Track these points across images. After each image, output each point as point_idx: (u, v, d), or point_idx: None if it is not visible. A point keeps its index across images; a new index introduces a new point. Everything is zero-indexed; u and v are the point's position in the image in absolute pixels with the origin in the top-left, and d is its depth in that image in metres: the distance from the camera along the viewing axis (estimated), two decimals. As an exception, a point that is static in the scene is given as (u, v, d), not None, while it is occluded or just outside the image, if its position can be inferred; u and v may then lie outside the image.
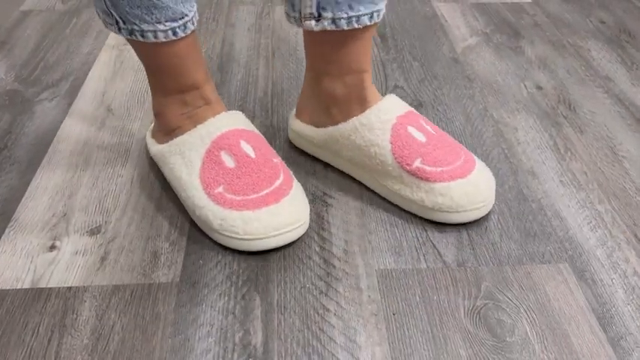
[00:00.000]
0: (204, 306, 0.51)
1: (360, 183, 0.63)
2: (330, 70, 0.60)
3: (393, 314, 0.50)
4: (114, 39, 0.91)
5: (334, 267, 0.54)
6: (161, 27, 0.54)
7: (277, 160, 0.59)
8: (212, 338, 0.48)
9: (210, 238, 0.57)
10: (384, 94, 0.70)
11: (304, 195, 0.59)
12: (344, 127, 0.60)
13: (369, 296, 0.52)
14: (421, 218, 0.59)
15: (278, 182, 0.56)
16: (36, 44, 0.90)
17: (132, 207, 0.61)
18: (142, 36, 0.54)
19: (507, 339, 0.48)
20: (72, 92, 0.79)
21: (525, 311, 0.51)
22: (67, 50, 0.89)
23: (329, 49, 0.58)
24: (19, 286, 0.52)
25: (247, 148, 0.58)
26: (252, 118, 0.74)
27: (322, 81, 0.61)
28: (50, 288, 0.52)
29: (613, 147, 0.70)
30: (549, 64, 0.86)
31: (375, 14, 0.55)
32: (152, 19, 0.53)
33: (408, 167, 0.57)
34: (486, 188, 0.58)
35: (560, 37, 0.93)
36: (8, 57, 0.87)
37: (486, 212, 0.59)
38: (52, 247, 0.56)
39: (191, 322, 0.49)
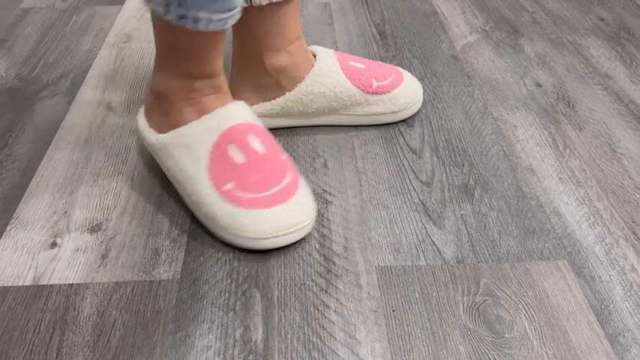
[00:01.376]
0: (204, 302, 0.51)
1: (359, 181, 0.64)
2: (274, 44, 0.64)
3: (393, 311, 0.51)
4: (114, 37, 0.92)
5: (334, 264, 0.55)
6: (216, 16, 0.51)
7: (284, 157, 0.59)
8: (213, 334, 0.49)
9: (212, 235, 0.57)
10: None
11: (310, 193, 0.59)
12: (304, 86, 0.67)
13: (369, 293, 0.52)
14: (420, 215, 0.60)
15: (286, 180, 0.56)
16: (36, 42, 0.90)
17: (133, 204, 0.61)
18: (195, 22, 0.51)
19: (506, 335, 0.49)
20: (72, 90, 0.79)
21: (524, 307, 0.51)
22: (67, 48, 0.89)
23: (274, 23, 0.63)
24: (20, 283, 0.53)
25: (256, 144, 0.57)
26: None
27: (265, 59, 0.65)
28: (51, 285, 0.52)
29: (612, 144, 0.70)
30: (548, 61, 0.86)
31: None
32: (212, 8, 0.51)
33: (370, 89, 0.69)
34: (415, 84, 0.73)
35: (559, 35, 0.93)
36: (8, 55, 0.87)
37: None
38: (54, 245, 0.56)
39: (192, 318, 0.50)
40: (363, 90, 0.69)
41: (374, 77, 0.70)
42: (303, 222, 0.55)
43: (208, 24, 0.51)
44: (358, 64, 0.71)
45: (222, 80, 0.60)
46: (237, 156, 0.56)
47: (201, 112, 0.58)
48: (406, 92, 0.71)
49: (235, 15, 0.53)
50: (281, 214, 0.54)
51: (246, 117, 0.59)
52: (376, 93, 0.69)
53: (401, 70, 0.74)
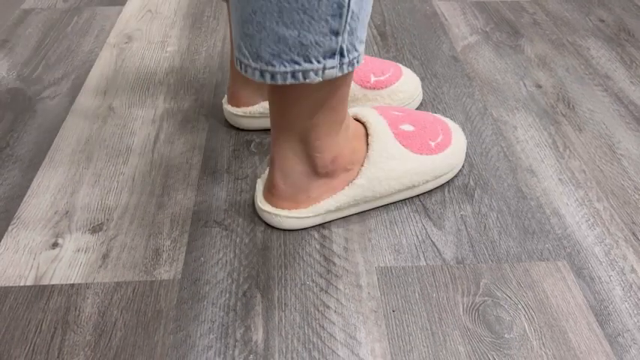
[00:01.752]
0: (205, 303, 0.51)
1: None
2: None
3: (393, 311, 0.51)
4: (115, 38, 0.92)
5: (334, 264, 0.55)
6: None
7: (438, 119, 0.64)
8: (213, 335, 0.49)
9: (211, 236, 0.57)
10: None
11: None
12: None
13: (369, 293, 0.52)
14: (420, 216, 0.60)
15: None
16: (37, 43, 0.90)
17: (134, 204, 0.61)
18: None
19: (506, 335, 0.49)
20: (73, 90, 0.79)
21: (524, 308, 0.51)
22: (68, 49, 0.89)
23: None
24: (22, 283, 0.53)
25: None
26: (252, 116, 0.74)
27: None
28: (53, 285, 0.53)
29: (612, 145, 0.70)
30: (549, 62, 0.87)
31: None
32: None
33: (368, 84, 0.69)
34: (414, 80, 0.72)
35: (559, 36, 0.93)
36: (10, 55, 0.87)
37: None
38: (55, 245, 0.57)
39: (192, 318, 0.50)
40: (360, 85, 0.69)
41: (372, 72, 0.70)
42: None
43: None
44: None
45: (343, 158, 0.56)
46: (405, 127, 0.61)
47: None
48: (405, 87, 0.71)
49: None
50: None
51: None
52: (374, 88, 0.70)
53: (400, 65, 0.74)
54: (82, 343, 0.48)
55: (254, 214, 0.60)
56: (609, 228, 0.59)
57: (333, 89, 0.49)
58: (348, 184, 0.57)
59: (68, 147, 0.69)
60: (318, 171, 0.55)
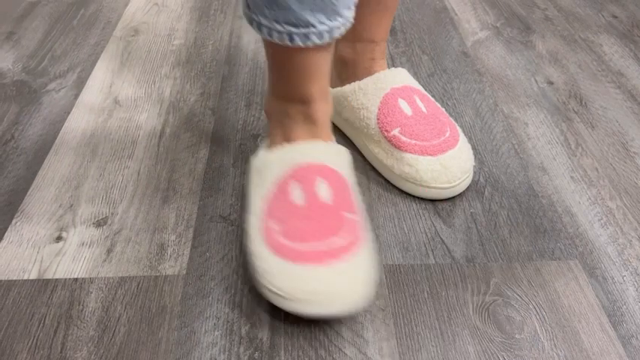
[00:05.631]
0: (210, 299, 0.50)
1: (367, 179, 0.63)
2: (346, 34, 0.56)
3: (401, 310, 0.50)
4: (121, 30, 0.91)
5: (342, 261, 0.54)
6: (278, 27, 0.46)
7: (349, 215, 0.50)
8: (218, 331, 0.48)
9: (217, 231, 0.56)
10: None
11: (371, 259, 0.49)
12: (346, 89, 0.64)
13: (377, 291, 0.51)
14: (430, 214, 0.59)
15: (338, 241, 0.47)
16: (43, 35, 0.90)
17: (138, 199, 0.60)
18: (259, 29, 0.48)
19: (516, 336, 0.48)
20: (79, 83, 0.79)
21: (535, 308, 0.50)
22: (74, 41, 0.88)
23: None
24: (25, 277, 0.52)
25: (322, 189, 0.50)
26: (259, 110, 0.73)
27: (338, 44, 0.63)
28: (56, 279, 0.52)
29: (625, 143, 0.69)
30: (560, 58, 0.85)
31: None
32: (270, 14, 0.46)
33: (386, 133, 0.61)
34: (457, 171, 0.58)
35: (571, 32, 0.92)
36: (16, 48, 0.86)
37: (452, 195, 0.60)
38: (59, 239, 0.56)
39: (197, 314, 0.49)
40: (380, 128, 0.61)
41: (401, 126, 0.60)
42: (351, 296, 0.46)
43: (270, 34, 0.47)
44: (409, 107, 0.61)
45: (317, 110, 0.54)
46: (296, 196, 0.50)
47: (287, 139, 0.54)
48: (420, 167, 0.58)
49: (311, 35, 0.47)
50: (315, 275, 0.45)
51: (323, 158, 0.53)
52: (390, 142, 0.60)
53: (459, 146, 0.60)
54: (86, 338, 0.47)
55: (260, 210, 0.59)
56: (622, 227, 0.58)
57: None
58: None
59: (73, 140, 0.68)
60: None
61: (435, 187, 0.59)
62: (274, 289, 0.46)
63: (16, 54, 0.85)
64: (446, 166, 0.58)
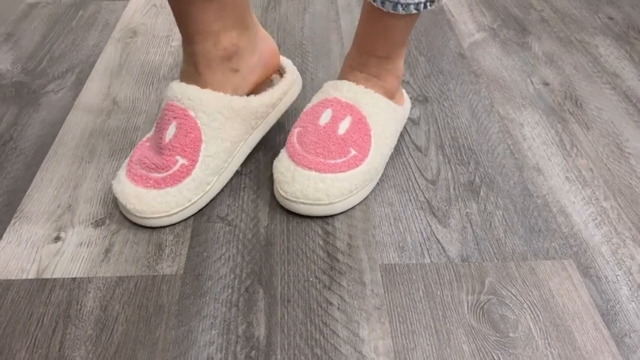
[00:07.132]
0: (207, 298, 0.51)
1: (364, 177, 0.63)
2: (366, 47, 0.62)
3: (397, 308, 0.50)
4: (119, 32, 0.91)
5: (338, 261, 0.54)
6: None
7: (184, 160, 0.57)
8: (215, 330, 0.48)
9: (214, 231, 0.57)
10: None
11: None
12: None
13: (373, 290, 0.52)
14: (425, 213, 0.59)
15: (165, 172, 0.57)
16: (42, 36, 0.90)
17: (136, 199, 0.61)
18: None
19: (511, 334, 0.48)
20: (78, 84, 0.79)
21: (529, 307, 0.50)
22: (72, 43, 0.89)
23: (368, 26, 0.60)
24: (24, 277, 0.53)
25: (170, 129, 0.57)
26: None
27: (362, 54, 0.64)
28: (55, 279, 0.52)
29: (619, 144, 0.69)
30: (556, 60, 0.86)
31: (416, 5, 0.55)
32: None
33: (292, 128, 0.62)
34: (296, 190, 0.57)
35: (567, 33, 0.92)
36: (14, 49, 0.87)
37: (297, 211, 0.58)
38: (57, 239, 0.56)
39: (195, 314, 0.50)
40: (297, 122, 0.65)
41: (302, 126, 0.62)
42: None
43: None
44: (341, 120, 0.60)
45: (200, 50, 0.57)
46: (154, 134, 0.60)
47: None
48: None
49: None
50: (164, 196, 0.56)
51: (179, 98, 0.58)
52: (288, 138, 0.62)
53: (369, 178, 0.60)
54: (84, 337, 0.48)
55: (257, 210, 0.59)
56: (616, 227, 0.58)
57: None
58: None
59: (72, 141, 0.69)
60: None
61: (282, 193, 0.58)
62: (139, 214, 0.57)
63: (14, 55, 0.85)
64: (294, 178, 0.57)
